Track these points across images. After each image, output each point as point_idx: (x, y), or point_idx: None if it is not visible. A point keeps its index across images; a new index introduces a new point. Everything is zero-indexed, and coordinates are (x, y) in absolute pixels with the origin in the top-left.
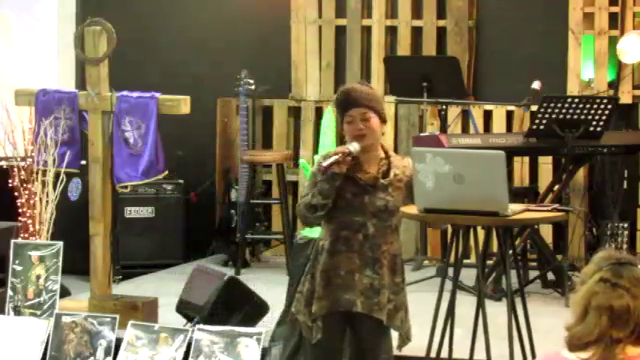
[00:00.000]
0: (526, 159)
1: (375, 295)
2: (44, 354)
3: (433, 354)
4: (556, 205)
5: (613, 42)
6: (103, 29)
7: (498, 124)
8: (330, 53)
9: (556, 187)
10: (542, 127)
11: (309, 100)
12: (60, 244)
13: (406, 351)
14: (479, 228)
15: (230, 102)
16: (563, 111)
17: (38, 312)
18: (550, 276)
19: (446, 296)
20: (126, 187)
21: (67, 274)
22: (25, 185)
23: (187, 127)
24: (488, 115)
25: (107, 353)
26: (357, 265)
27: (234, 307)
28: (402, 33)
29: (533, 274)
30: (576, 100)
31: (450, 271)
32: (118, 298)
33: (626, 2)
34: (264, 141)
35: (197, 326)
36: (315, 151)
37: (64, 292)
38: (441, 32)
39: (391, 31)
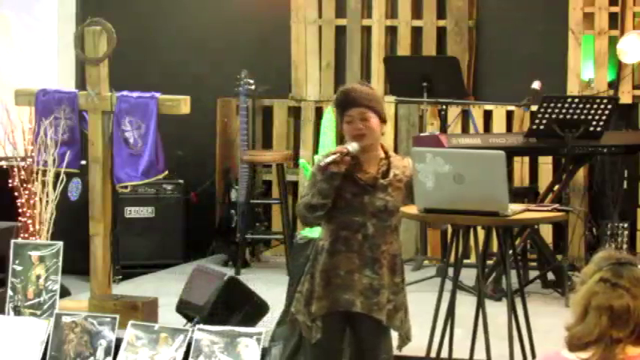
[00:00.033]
0: (526, 159)
1: (374, 295)
2: (44, 354)
3: (433, 354)
4: (556, 205)
5: (613, 42)
6: (103, 29)
7: (498, 124)
8: (330, 53)
9: (556, 187)
10: (542, 127)
11: (309, 100)
12: (60, 244)
13: (406, 351)
14: (479, 228)
15: (230, 102)
16: (563, 111)
17: (38, 312)
18: (550, 276)
19: (446, 296)
20: (126, 187)
21: (67, 274)
22: (25, 185)
23: (187, 127)
24: (488, 115)
25: (107, 353)
26: (357, 265)
27: (234, 307)
28: (402, 33)
29: (533, 274)
30: (576, 100)
31: (450, 271)
32: (118, 298)
33: (626, 2)
34: (264, 141)
35: (197, 326)
36: (315, 151)
37: (64, 292)
38: (441, 32)
39: (391, 31)
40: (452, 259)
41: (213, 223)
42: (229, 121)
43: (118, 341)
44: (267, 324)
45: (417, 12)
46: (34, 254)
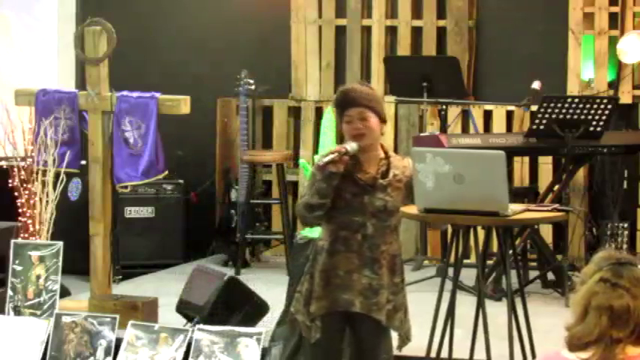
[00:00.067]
0: (526, 159)
1: (373, 296)
2: (44, 354)
3: (433, 354)
4: (556, 205)
5: (613, 42)
6: (103, 29)
7: (498, 124)
8: (330, 53)
9: (556, 187)
10: (542, 127)
11: (309, 100)
12: (60, 244)
13: (406, 351)
14: (479, 228)
15: (230, 102)
16: (563, 111)
17: (38, 312)
18: (550, 276)
19: (446, 296)
20: (126, 187)
21: (67, 274)
22: (25, 185)
23: (187, 127)
24: (488, 115)
25: (107, 353)
26: (356, 265)
27: (234, 307)
28: (402, 33)
29: (533, 274)
30: (576, 100)
31: (450, 271)
32: (118, 298)
33: (626, 2)
34: (264, 141)
35: (197, 326)
36: (315, 151)
37: (64, 292)
38: (441, 32)
39: (391, 31)
40: (452, 259)
41: (213, 223)
42: (229, 121)
43: (118, 341)
44: (267, 324)
45: (417, 12)
46: (34, 254)
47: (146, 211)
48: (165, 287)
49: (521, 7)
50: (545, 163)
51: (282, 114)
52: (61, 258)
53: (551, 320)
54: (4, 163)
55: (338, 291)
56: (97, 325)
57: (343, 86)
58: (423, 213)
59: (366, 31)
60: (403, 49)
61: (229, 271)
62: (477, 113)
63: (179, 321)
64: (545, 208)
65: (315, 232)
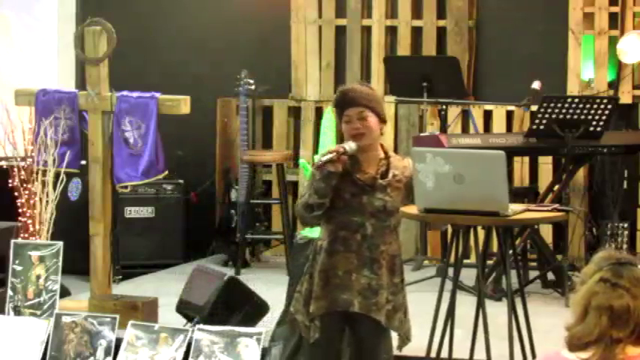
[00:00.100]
0: (526, 159)
1: (373, 296)
2: (44, 354)
3: (433, 354)
4: (556, 205)
5: (613, 42)
6: (103, 29)
7: (498, 124)
8: (330, 53)
9: (556, 187)
10: (542, 127)
11: (309, 100)
12: (60, 244)
13: (406, 351)
14: (479, 228)
15: (230, 102)
16: (563, 111)
17: (38, 312)
18: (550, 276)
19: (446, 296)
20: (126, 187)
21: (67, 274)
22: (25, 185)
23: (187, 127)
24: (488, 115)
25: (107, 353)
26: (355, 265)
27: (234, 307)
28: (402, 33)
29: (533, 274)
30: (576, 100)
31: (450, 271)
32: (118, 298)
33: (626, 2)
34: (264, 141)
35: (197, 326)
36: (315, 151)
37: (64, 292)
38: (441, 32)
39: (391, 31)
40: (452, 259)
41: (213, 223)
42: (229, 121)
43: (118, 341)
44: (267, 324)
45: (417, 12)
46: (34, 254)
47: (146, 211)
48: (165, 287)
49: (521, 7)
50: (545, 163)
51: (282, 114)
52: (61, 258)
53: (551, 320)
54: (4, 163)
55: (337, 291)
56: (97, 325)
57: (343, 86)
58: (423, 213)
59: (366, 31)
60: (403, 49)
61: (229, 271)
62: (477, 113)
63: (179, 321)
64: (545, 208)
65: (315, 232)
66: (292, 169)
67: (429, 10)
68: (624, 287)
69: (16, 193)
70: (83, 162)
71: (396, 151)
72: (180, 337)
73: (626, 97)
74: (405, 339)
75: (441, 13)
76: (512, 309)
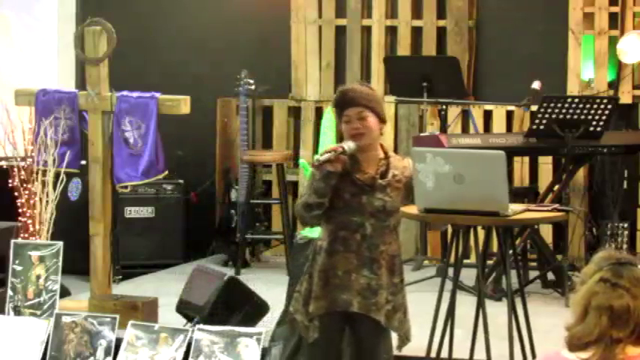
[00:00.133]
0: (526, 159)
1: (372, 296)
2: (44, 354)
3: (433, 354)
4: (556, 205)
5: (613, 42)
6: (103, 29)
7: (498, 124)
8: (330, 53)
9: (556, 187)
10: (542, 127)
11: (309, 100)
12: (60, 244)
13: (406, 351)
14: (479, 228)
15: (230, 102)
16: (563, 111)
17: (38, 312)
18: (550, 276)
19: (446, 296)
20: (126, 187)
21: (67, 274)
22: (25, 185)
23: (187, 127)
24: (488, 115)
25: (107, 353)
26: (355, 265)
27: (234, 307)
28: (402, 33)
29: (533, 274)
30: (576, 100)
31: (450, 271)
32: (118, 298)
33: (626, 2)
34: (264, 141)
35: (197, 326)
36: (315, 151)
37: (64, 292)
38: (441, 32)
39: (391, 31)
40: (452, 259)
41: (213, 223)
42: (229, 121)
43: (118, 341)
44: (267, 324)
45: (417, 12)
46: (34, 254)
47: (146, 211)
48: (165, 287)
49: (521, 7)
50: (545, 163)
51: (282, 114)
52: (61, 258)
53: (551, 320)
54: (4, 163)
55: (336, 291)
56: (97, 325)
57: (342, 86)
58: (423, 213)
59: (366, 31)
60: (403, 49)
61: (229, 271)
62: (477, 113)
63: (179, 321)
64: (545, 208)
65: (315, 232)
66: (292, 169)
67: (429, 10)
68: (624, 287)
69: (16, 193)
70: (83, 162)
71: (396, 151)
72: (180, 337)
73: (626, 97)
74: (404, 339)
75: (441, 13)
76: (512, 309)
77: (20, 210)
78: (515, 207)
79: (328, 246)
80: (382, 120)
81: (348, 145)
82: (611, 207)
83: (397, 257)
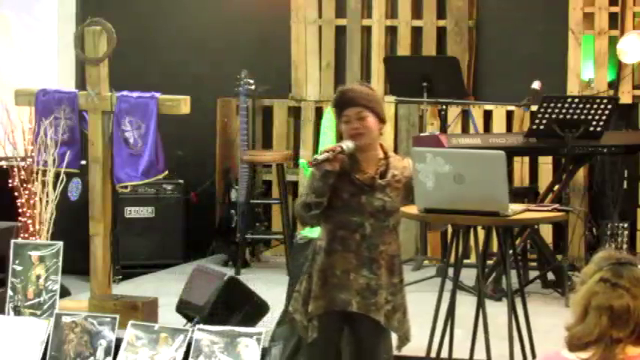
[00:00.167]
0: (526, 159)
1: (371, 296)
2: (44, 354)
3: (433, 354)
4: (556, 205)
5: (613, 42)
6: (103, 29)
7: (498, 124)
8: (330, 53)
9: (556, 187)
10: (542, 127)
11: (309, 100)
12: (60, 244)
13: (406, 351)
14: (479, 228)
15: (230, 102)
16: (563, 111)
17: (38, 312)
18: (550, 276)
19: (446, 296)
20: (126, 187)
21: (67, 274)
22: (25, 185)
23: (187, 127)
24: (488, 115)
25: (107, 353)
26: (353, 265)
27: (234, 307)
28: (402, 33)
29: (533, 274)
30: (576, 100)
31: (450, 271)
32: (118, 298)
33: (626, 2)
34: (264, 141)
35: (197, 326)
36: (315, 151)
37: (64, 292)
38: (441, 32)
39: (391, 31)
40: (452, 259)
41: (213, 223)
42: (229, 121)
43: (118, 341)
44: (267, 324)
45: (417, 12)
46: (34, 254)
47: (146, 211)
48: (165, 287)
49: (521, 7)
50: (545, 163)
51: (282, 114)
52: (61, 258)
53: (551, 320)
54: (4, 163)
55: (335, 291)
56: (97, 325)
57: (342, 86)
58: (423, 213)
59: (366, 31)
60: (403, 49)
61: (229, 271)
62: (477, 113)
63: (179, 321)
64: (545, 208)
65: (315, 232)
66: (292, 169)
67: (429, 10)
68: (624, 287)
69: (16, 193)
70: (83, 162)
71: (396, 151)
72: (180, 337)
73: (626, 97)
74: (404, 339)
75: (441, 13)
76: (512, 309)
77: (20, 210)
78: (515, 207)
79: (327, 245)
80: (382, 120)
81: (347, 144)
82: (611, 207)
83: (397, 257)
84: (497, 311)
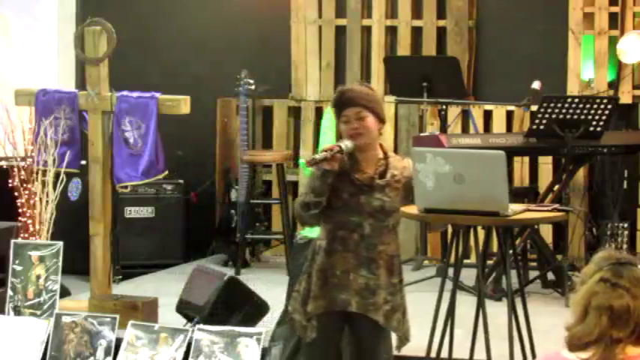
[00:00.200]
0: (526, 159)
1: (370, 296)
2: (44, 354)
3: (433, 354)
4: (556, 205)
5: (613, 42)
6: (103, 29)
7: (498, 124)
8: (330, 53)
9: (556, 187)
10: (542, 127)
11: (309, 100)
12: (60, 244)
13: (406, 351)
14: (479, 228)
15: (230, 102)
16: (563, 111)
17: (38, 312)
18: (550, 276)
19: (446, 296)
20: (126, 187)
21: (67, 274)
22: (25, 185)
23: (187, 127)
24: (488, 115)
25: (107, 353)
26: (352, 265)
27: (234, 307)
28: (402, 33)
29: (533, 274)
30: (576, 100)
31: (450, 271)
32: (118, 298)
33: (626, 2)
34: (264, 141)
35: (197, 326)
36: (315, 151)
37: (64, 292)
38: (441, 32)
39: (391, 31)
40: (452, 259)
41: (213, 223)
42: (229, 121)
43: (118, 341)
44: (267, 324)
45: (417, 12)
46: (34, 254)
47: (146, 211)
48: (165, 287)
49: (521, 7)
50: (545, 163)
51: (282, 114)
52: (61, 258)
53: (551, 320)
54: (4, 163)
55: (335, 290)
56: (97, 325)
57: (341, 86)
58: (423, 213)
59: (366, 31)
60: (403, 49)
61: (229, 271)
62: (477, 113)
63: (179, 321)
64: (545, 208)
65: (315, 232)
66: (292, 169)
67: (429, 10)
68: (624, 287)
69: (16, 193)
70: (83, 162)
71: (396, 151)
72: (180, 337)
73: (626, 97)
74: (403, 339)
75: (441, 13)
76: (512, 309)
77: (20, 210)
78: (515, 207)
79: (327, 245)
80: (381, 120)
81: (345, 144)
82: (611, 207)
83: (396, 257)
84: (497, 311)
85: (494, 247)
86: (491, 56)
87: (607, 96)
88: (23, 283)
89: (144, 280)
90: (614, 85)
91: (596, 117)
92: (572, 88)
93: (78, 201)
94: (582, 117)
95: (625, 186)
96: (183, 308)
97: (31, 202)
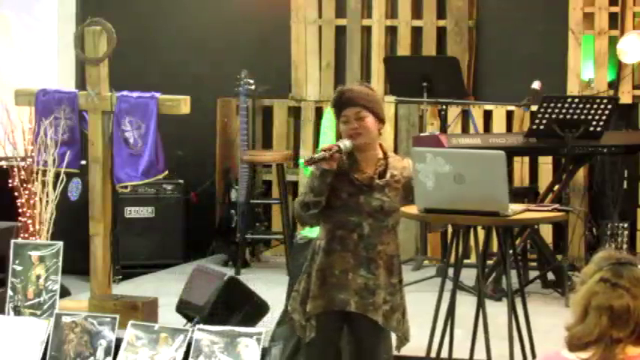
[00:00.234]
0: (526, 159)
1: (369, 296)
2: (44, 354)
3: (433, 354)
4: (556, 205)
5: (613, 42)
6: (103, 29)
7: (498, 124)
8: (330, 53)
9: (556, 187)
10: (542, 127)
11: (309, 100)
12: (60, 244)
13: (406, 351)
14: (479, 228)
15: (230, 102)
16: (563, 111)
17: (38, 312)
18: (550, 276)
19: (446, 296)
20: (126, 187)
21: (67, 274)
22: (25, 185)
23: (187, 127)
24: (488, 115)
25: (107, 353)
26: (351, 265)
27: (234, 307)
28: (402, 33)
29: (533, 274)
30: (576, 100)
31: (450, 271)
32: (118, 298)
33: (626, 2)
34: (264, 141)
35: (197, 326)
36: (315, 151)
37: (64, 292)
38: (441, 32)
39: (391, 31)
40: (452, 259)
41: (213, 223)
42: (229, 121)
43: (118, 341)
44: (267, 324)
45: (417, 12)
46: (34, 254)
47: (146, 211)
48: (165, 287)
49: (521, 7)
50: (545, 163)
51: (282, 114)
52: (61, 258)
53: (551, 320)
54: (4, 163)
55: (334, 290)
56: (97, 325)
57: (341, 86)
58: (423, 213)
59: (366, 31)
60: (403, 49)
61: (229, 271)
62: (477, 113)
63: (179, 321)
64: (545, 208)
65: (314, 232)
66: (292, 169)
67: (429, 10)
68: (624, 287)
69: (16, 193)
70: (83, 162)
71: (396, 151)
72: (180, 337)
73: (626, 97)
74: (403, 339)
75: (441, 13)
76: (512, 309)
77: (20, 210)
78: (515, 207)
79: (326, 245)
80: (381, 120)
81: (344, 143)
82: (611, 207)
83: (395, 257)
84: (497, 311)
85: (494, 247)
86: (491, 56)
87: (607, 96)
88: (23, 283)
89: (144, 280)
90: (614, 85)
91: (596, 117)
92: (572, 88)
93: (78, 201)
94: (582, 117)
95: (625, 186)
96: (183, 308)
97: (31, 202)
